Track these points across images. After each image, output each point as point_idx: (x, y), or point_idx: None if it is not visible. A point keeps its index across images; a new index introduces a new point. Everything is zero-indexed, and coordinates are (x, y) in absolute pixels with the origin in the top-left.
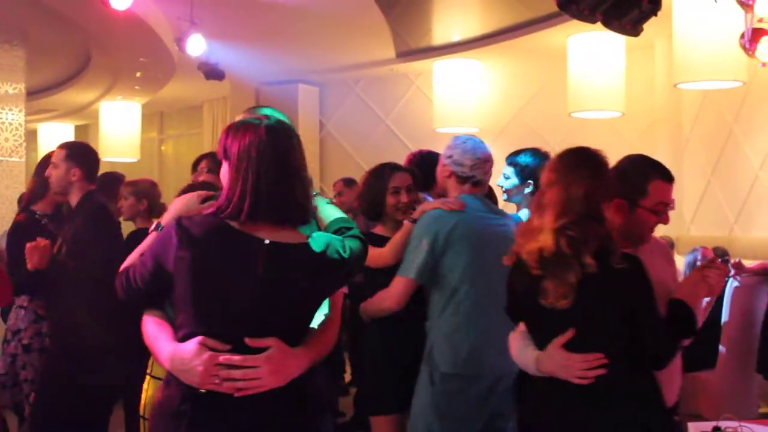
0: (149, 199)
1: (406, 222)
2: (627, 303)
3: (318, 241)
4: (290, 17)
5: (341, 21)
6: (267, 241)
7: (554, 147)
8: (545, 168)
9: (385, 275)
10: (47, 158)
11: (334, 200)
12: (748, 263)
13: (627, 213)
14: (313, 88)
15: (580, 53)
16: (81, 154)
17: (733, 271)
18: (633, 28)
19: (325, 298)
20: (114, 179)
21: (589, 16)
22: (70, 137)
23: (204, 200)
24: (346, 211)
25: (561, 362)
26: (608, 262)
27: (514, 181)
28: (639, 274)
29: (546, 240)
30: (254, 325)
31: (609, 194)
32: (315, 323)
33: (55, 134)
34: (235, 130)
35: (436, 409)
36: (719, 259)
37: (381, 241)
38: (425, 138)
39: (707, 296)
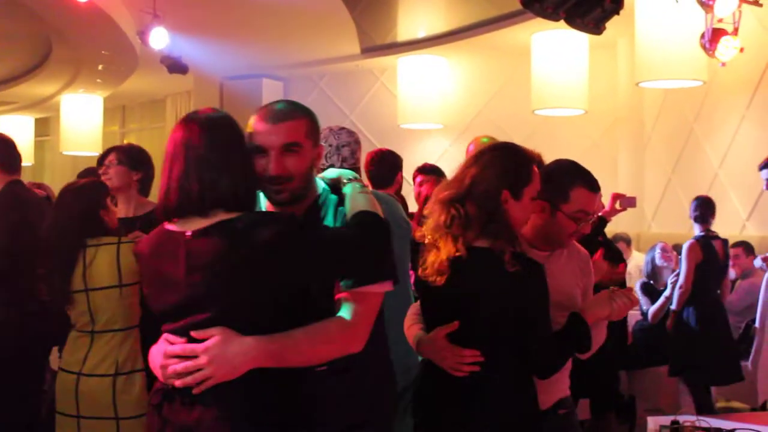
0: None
1: None
2: (511, 306)
3: None
4: (255, 11)
5: (306, 16)
6: (188, 233)
7: (518, 144)
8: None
9: None
10: None
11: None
12: None
13: (548, 216)
14: (277, 82)
15: (543, 51)
16: None
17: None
18: (596, 27)
19: (282, 284)
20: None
21: (552, 14)
22: (30, 130)
23: None
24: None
25: (438, 351)
26: (495, 261)
27: None
28: (531, 281)
29: (434, 210)
30: (198, 318)
31: (519, 192)
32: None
33: (14, 127)
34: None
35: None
36: (634, 291)
37: None
38: (390, 134)
39: (609, 318)
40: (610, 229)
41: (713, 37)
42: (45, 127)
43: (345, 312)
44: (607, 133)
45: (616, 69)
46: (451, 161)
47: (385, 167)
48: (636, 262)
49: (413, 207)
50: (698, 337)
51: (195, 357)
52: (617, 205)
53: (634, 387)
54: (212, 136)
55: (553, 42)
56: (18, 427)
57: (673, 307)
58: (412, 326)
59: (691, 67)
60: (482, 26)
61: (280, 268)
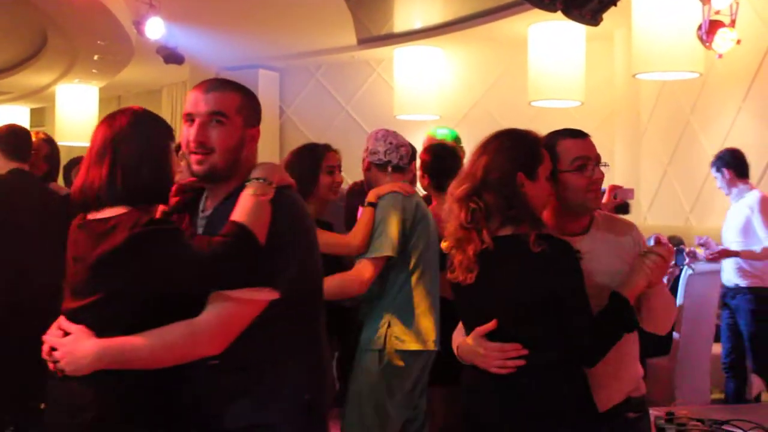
0: None
1: (366, 207)
2: (543, 288)
3: None
4: (251, 1)
5: (302, 6)
6: (77, 224)
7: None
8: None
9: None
10: None
11: None
12: (702, 252)
13: (556, 189)
14: (273, 73)
15: (540, 42)
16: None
17: (687, 259)
18: (593, 18)
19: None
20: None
21: (549, 5)
22: (26, 120)
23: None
24: None
25: (478, 351)
26: (521, 248)
27: None
28: (560, 260)
29: (453, 209)
30: (73, 306)
31: (533, 173)
32: None
33: (10, 117)
34: None
35: (387, 387)
36: (663, 242)
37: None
38: (386, 125)
39: (652, 285)
40: None
41: (710, 29)
42: (40, 118)
43: (203, 313)
44: (603, 124)
45: (612, 61)
46: None
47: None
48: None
49: None
50: None
51: None
52: (615, 197)
53: None
54: (132, 132)
55: (549, 33)
56: None
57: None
58: (457, 333)
59: (688, 59)
60: (479, 17)
61: (133, 272)
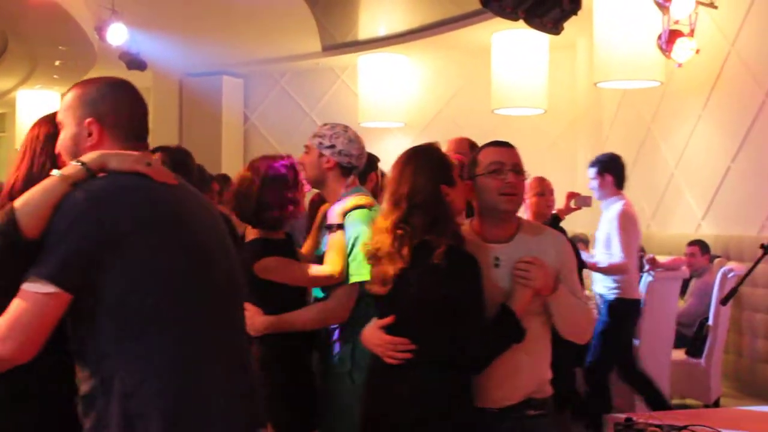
0: None
1: (335, 231)
2: (439, 294)
3: None
4: (215, 8)
5: (267, 13)
6: None
7: (479, 143)
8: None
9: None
10: None
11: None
12: (663, 259)
13: (475, 192)
14: (237, 80)
15: (504, 50)
16: None
17: (647, 266)
18: (554, 27)
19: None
20: None
21: (511, 14)
22: None
23: None
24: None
25: (374, 341)
26: (429, 256)
27: None
28: (459, 270)
29: (382, 240)
30: None
31: (451, 180)
32: None
33: None
34: None
35: (361, 404)
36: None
37: (279, 248)
38: None
39: (540, 293)
40: (568, 230)
41: (670, 38)
42: (1, 124)
43: None
44: (566, 132)
45: (575, 69)
46: None
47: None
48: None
49: None
50: None
51: None
52: (572, 204)
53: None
54: (42, 133)
55: (513, 42)
56: None
57: None
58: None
59: (649, 68)
60: (443, 25)
61: None
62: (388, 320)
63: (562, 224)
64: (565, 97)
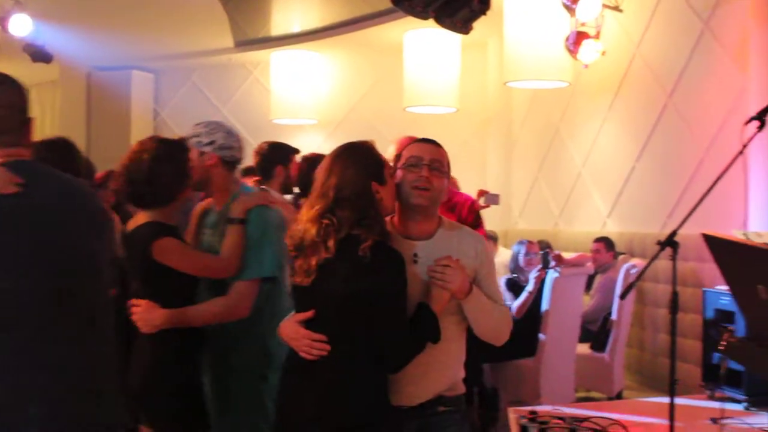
0: None
1: (234, 225)
2: (360, 289)
3: None
4: (125, 1)
5: (178, 7)
6: None
7: (391, 141)
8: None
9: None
10: None
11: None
12: (569, 255)
13: (396, 185)
14: (147, 74)
15: (416, 49)
16: None
17: (553, 263)
18: (464, 27)
19: None
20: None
21: (421, 13)
22: None
23: None
24: None
25: (291, 334)
26: (355, 249)
27: None
28: (382, 266)
29: (307, 228)
30: None
31: (382, 178)
32: None
33: None
34: None
35: (277, 399)
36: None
37: (174, 233)
38: (263, 129)
39: (455, 294)
40: None
41: (576, 40)
42: None
43: None
44: (477, 131)
45: (486, 69)
46: None
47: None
48: (503, 259)
49: None
50: None
51: None
52: (481, 201)
53: (498, 379)
54: None
55: (425, 40)
56: None
57: None
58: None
59: (557, 69)
60: (356, 23)
61: None
62: (307, 315)
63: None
64: (477, 96)
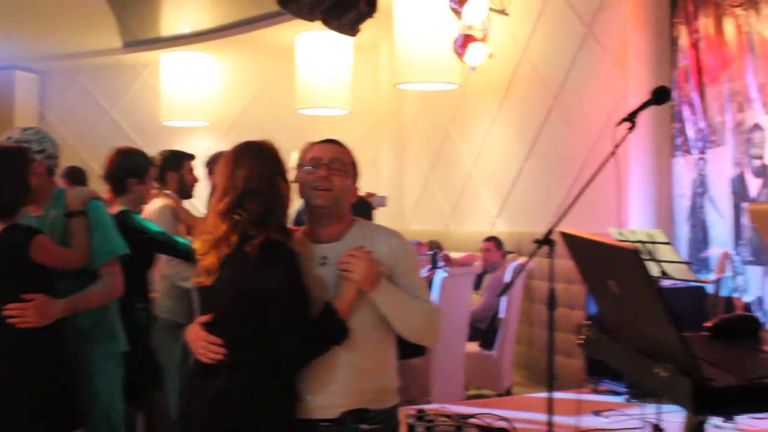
0: None
1: (76, 218)
2: (249, 289)
3: None
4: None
5: (64, 5)
6: None
7: (283, 143)
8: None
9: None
10: None
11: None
12: (457, 255)
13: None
14: (32, 75)
15: (307, 51)
16: None
17: (441, 263)
18: (351, 29)
19: None
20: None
21: (308, 15)
22: None
23: None
24: None
25: (192, 336)
26: (245, 247)
27: None
28: (271, 264)
29: (216, 224)
30: None
31: (285, 176)
32: None
33: None
34: None
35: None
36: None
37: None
38: (153, 131)
39: (363, 287)
40: None
41: (464, 42)
42: None
43: None
44: (370, 133)
45: (378, 71)
46: None
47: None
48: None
49: None
50: None
51: None
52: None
53: None
54: None
55: (316, 42)
56: None
57: None
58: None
59: (446, 71)
60: (247, 24)
61: None
62: (207, 318)
63: None
64: (369, 98)
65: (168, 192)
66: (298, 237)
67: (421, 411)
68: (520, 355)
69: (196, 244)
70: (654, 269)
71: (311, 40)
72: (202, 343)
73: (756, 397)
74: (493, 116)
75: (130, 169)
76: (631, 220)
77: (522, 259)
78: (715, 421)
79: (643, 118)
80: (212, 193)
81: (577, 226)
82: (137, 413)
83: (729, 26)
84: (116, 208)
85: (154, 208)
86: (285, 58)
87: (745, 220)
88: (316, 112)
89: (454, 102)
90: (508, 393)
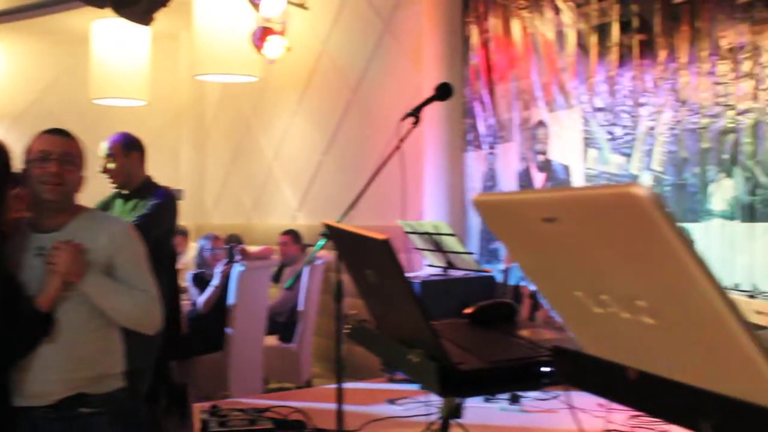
0: None
1: None
2: None
3: None
4: None
5: None
6: None
7: (78, 134)
8: None
9: None
10: None
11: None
12: (254, 248)
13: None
14: None
15: (104, 39)
16: None
17: (238, 257)
18: (144, 17)
19: None
20: None
21: (98, 2)
22: None
23: None
24: None
25: None
26: None
27: None
28: None
29: None
30: None
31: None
32: None
33: None
34: None
35: None
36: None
37: None
38: None
39: (68, 278)
40: None
41: (262, 35)
42: None
43: None
44: (169, 124)
45: (178, 61)
46: None
47: None
48: (194, 255)
49: None
50: None
51: None
52: None
53: (187, 375)
54: None
55: (114, 30)
56: None
57: None
58: None
59: (246, 63)
60: (38, 8)
61: None
62: None
63: None
64: (169, 89)
65: None
66: (21, 226)
67: (215, 406)
68: (319, 348)
69: None
70: (440, 260)
71: (107, 28)
72: None
73: (498, 377)
74: (293, 109)
75: None
76: (426, 213)
77: (321, 253)
78: (502, 404)
79: (437, 113)
80: None
81: (370, 218)
82: None
83: (516, 27)
84: None
85: None
86: (80, 45)
87: None
88: (113, 103)
89: (255, 95)
90: (308, 385)
